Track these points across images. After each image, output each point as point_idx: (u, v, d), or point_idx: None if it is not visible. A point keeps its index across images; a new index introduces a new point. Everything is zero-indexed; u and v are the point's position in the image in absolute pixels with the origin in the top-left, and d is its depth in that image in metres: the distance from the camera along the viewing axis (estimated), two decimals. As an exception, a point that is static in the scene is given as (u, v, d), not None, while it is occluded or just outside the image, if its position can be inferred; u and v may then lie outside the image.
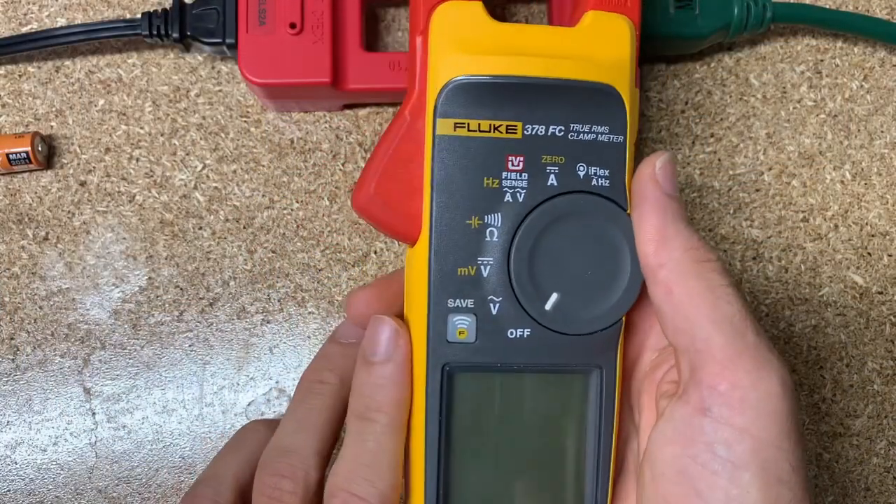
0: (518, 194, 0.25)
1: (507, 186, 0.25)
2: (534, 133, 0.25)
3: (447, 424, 0.26)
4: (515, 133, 0.25)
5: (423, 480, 0.26)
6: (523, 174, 0.25)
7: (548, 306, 0.25)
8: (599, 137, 0.26)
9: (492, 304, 0.25)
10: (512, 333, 0.26)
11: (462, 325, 0.25)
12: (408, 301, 0.26)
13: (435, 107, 0.25)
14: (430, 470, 0.26)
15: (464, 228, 0.25)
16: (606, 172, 0.26)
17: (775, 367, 0.23)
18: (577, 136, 0.25)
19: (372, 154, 0.27)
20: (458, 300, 0.25)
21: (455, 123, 0.25)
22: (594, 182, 0.26)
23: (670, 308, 0.24)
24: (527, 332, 0.26)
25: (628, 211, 0.26)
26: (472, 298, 0.25)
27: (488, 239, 0.25)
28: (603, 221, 0.26)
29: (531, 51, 0.25)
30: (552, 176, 0.25)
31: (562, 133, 0.25)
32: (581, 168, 0.25)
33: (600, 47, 0.25)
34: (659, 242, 0.24)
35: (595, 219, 0.26)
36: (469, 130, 0.25)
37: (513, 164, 0.25)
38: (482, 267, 0.25)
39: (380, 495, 0.25)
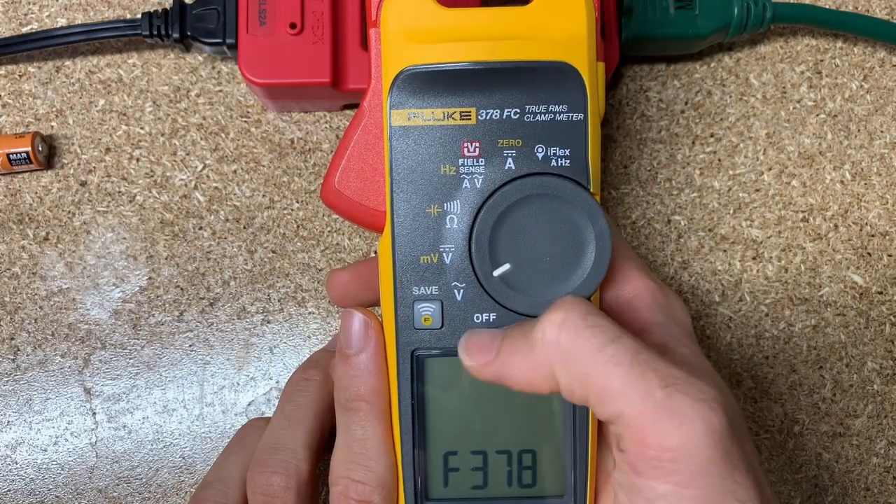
0: (476, 180, 0.25)
1: (464, 173, 0.25)
2: (488, 118, 0.25)
3: (421, 409, 0.27)
4: (470, 119, 0.25)
5: (401, 464, 0.27)
6: (480, 160, 0.25)
7: (514, 288, 0.26)
8: (558, 117, 0.25)
9: (456, 291, 0.26)
10: (478, 318, 0.26)
11: (427, 312, 0.26)
12: (380, 289, 0.27)
13: (388, 98, 0.25)
14: (405, 454, 0.27)
15: (424, 217, 0.26)
16: (567, 152, 0.25)
17: (696, 413, 0.22)
18: (534, 118, 0.25)
19: (337, 148, 0.27)
20: (422, 288, 0.26)
21: (409, 114, 0.25)
22: (553, 163, 0.25)
23: (571, 386, 0.23)
24: (493, 316, 0.26)
25: (591, 189, 0.25)
26: (437, 285, 0.26)
27: (449, 226, 0.26)
28: (564, 202, 0.25)
29: (481, 35, 0.25)
30: (510, 160, 0.25)
31: (518, 115, 0.25)
32: (539, 149, 0.25)
33: (554, 24, 0.25)
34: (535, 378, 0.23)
35: (556, 200, 0.25)
36: (423, 120, 0.25)
37: (469, 151, 0.25)
38: (444, 254, 0.26)
39: (377, 478, 0.26)
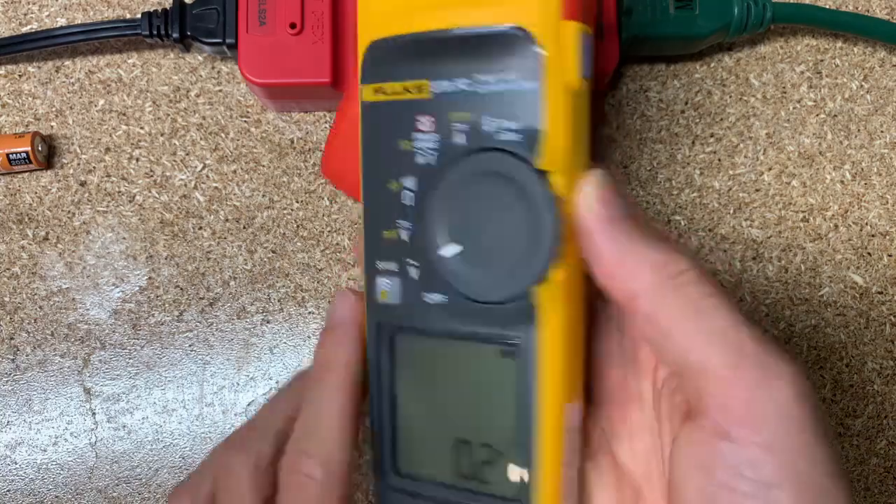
0: (429, 155, 0.25)
1: (418, 148, 0.25)
2: (441, 91, 0.24)
3: (386, 384, 0.26)
4: (423, 92, 0.25)
5: (363, 439, 0.26)
6: (433, 134, 0.25)
7: (457, 270, 0.24)
8: (510, 87, 0.23)
9: (411, 268, 0.25)
10: (430, 299, 0.25)
11: (385, 287, 0.26)
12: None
13: (360, 74, 0.25)
14: (368, 428, 0.26)
15: (386, 192, 0.25)
16: (514, 125, 0.24)
17: (783, 370, 0.21)
18: (486, 89, 0.24)
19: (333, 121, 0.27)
20: (384, 262, 0.25)
21: (374, 89, 0.25)
22: (503, 137, 0.24)
23: (659, 335, 0.23)
24: (444, 297, 0.25)
25: (540, 166, 0.23)
26: (395, 262, 0.25)
27: (405, 202, 0.25)
28: (511, 180, 0.24)
29: (438, 3, 0.24)
30: (462, 134, 0.24)
31: (470, 87, 0.24)
32: (489, 123, 0.24)
33: None
34: (622, 275, 0.23)
35: (503, 178, 0.24)
36: (385, 94, 0.25)
37: (423, 125, 0.25)
38: (401, 230, 0.25)
39: (325, 453, 0.25)
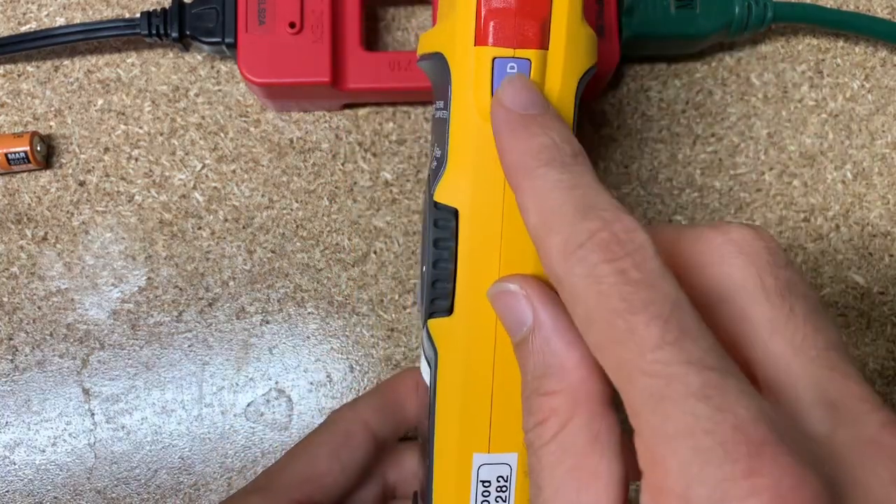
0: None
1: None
2: (432, 114, 0.25)
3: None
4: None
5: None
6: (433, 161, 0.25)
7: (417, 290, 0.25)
8: (441, 113, 0.23)
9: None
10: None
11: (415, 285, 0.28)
12: None
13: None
14: None
15: None
16: (438, 153, 0.23)
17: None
18: (437, 115, 0.24)
19: None
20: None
21: None
22: (433, 165, 0.23)
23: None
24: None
25: (436, 197, 0.22)
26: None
27: None
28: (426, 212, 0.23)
29: (438, 22, 0.24)
30: (433, 160, 0.24)
31: (434, 112, 0.24)
32: (435, 149, 0.23)
33: (445, 13, 0.23)
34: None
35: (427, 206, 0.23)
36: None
37: (434, 149, 0.25)
38: None
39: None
